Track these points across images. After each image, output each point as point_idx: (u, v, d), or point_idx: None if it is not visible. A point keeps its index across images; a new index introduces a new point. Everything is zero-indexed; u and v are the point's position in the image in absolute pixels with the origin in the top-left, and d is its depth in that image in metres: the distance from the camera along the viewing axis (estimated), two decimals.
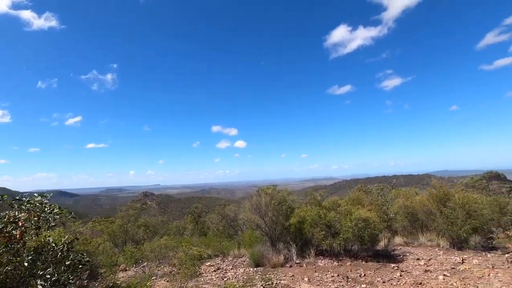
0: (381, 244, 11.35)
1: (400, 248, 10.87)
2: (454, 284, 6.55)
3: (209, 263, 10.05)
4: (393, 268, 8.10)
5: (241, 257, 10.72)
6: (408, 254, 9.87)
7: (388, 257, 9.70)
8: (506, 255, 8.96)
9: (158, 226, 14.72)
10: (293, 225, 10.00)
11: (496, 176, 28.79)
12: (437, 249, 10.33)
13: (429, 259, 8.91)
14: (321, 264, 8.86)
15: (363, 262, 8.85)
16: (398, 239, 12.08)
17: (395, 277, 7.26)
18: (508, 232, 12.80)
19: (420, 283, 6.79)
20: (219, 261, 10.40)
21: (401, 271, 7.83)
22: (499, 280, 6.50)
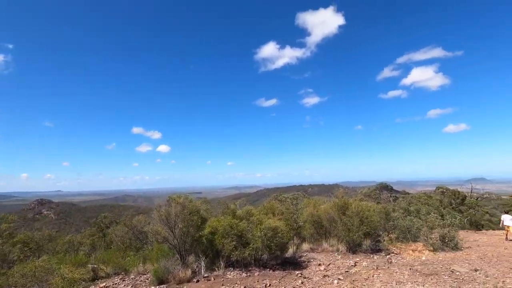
0: (290, 251, 11.88)
1: (307, 254, 11.54)
2: (346, 287, 7.16)
3: (104, 284, 8.71)
4: (296, 276, 8.44)
5: (145, 274, 9.67)
6: (312, 260, 10.51)
7: (294, 264, 10.14)
8: (387, 256, 10.41)
9: (44, 242, 12.19)
10: (205, 236, 9.57)
11: (385, 187, 34.31)
12: (336, 253, 11.32)
13: (329, 264, 9.65)
14: (229, 276, 8.63)
15: (271, 271, 8.99)
16: (305, 246, 12.87)
17: (297, 285, 7.54)
18: (391, 235, 15.03)
19: None
20: (118, 280, 9.15)
21: (304, 277, 8.21)
22: (380, 280, 7.39)
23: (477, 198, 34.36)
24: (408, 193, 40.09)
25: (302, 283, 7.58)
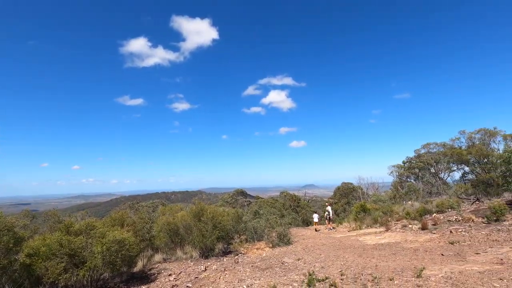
0: (140, 265, 10.91)
1: (158, 266, 10.90)
2: None
3: None
4: None
5: None
6: (163, 271, 10.01)
7: (142, 278, 9.36)
8: (235, 257, 11.30)
9: None
10: (20, 261, 7.36)
11: (241, 193, 37.81)
12: (189, 261, 11.27)
13: (180, 273, 9.46)
14: None
15: None
16: (158, 257, 12.14)
17: None
18: (242, 237, 16.49)
19: None
20: None
21: None
22: (225, 281, 7.86)
23: (308, 201, 43.40)
24: (261, 198, 45.83)
25: None
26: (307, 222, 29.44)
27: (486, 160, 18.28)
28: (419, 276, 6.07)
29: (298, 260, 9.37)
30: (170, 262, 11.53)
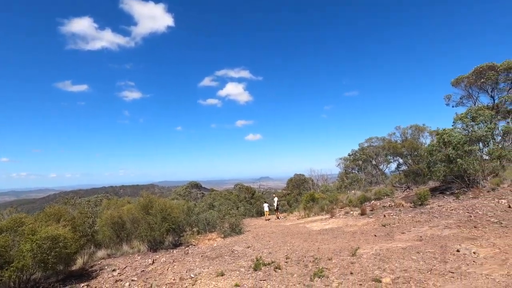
0: (80, 262, 10.16)
1: (101, 262, 10.26)
2: (137, 286, 6.94)
3: None
4: None
5: None
6: (106, 267, 9.47)
7: (82, 276, 8.75)
8: (186, 248, 11.16)
9: None
10: None
11: (195, 185, 37.20)
12: (136, 255, 10.82)
13: (125, 267, 9.04)
14: None
15: None
16: (102, 253, 11.41)
17: None
18: (194, 229, 16.30)
19: None
20: None
21: None
22: (173, 272, 7.75)
23: (262, 192, 44.49)
24: (216, 190, 45.63)
25: None
26: (261, 213, 30.20)
27: (416, 152, 20.69)
28: (354, 254, 6.71)
29: (248, 247, 9.63)
30: (115, 257, 10.94)
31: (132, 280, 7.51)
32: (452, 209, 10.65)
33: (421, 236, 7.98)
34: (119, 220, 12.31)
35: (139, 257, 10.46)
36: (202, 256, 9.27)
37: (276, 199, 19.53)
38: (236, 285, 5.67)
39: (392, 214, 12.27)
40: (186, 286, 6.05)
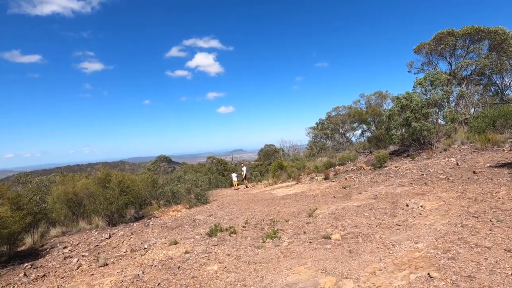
0: (30, 242, 9.47)
1: (54, 240, 9.65)
2: (86, 261, 6.55)
3: None
4: (24, 268, 6.74)
5: None
6: (58, 244, 8.91)
7: (30, 255, 8.17)
8: (148, 220, 10.81)
9: None
10: None
11: (165, 159, 36.25)
12: (94, 230, 10.31)
13: (78, 243, 8.56)
14: None
15: None
16: (55, 231, 10.74)
17: (18, 279, 5.98)
18: (160, 202, 15.88)
19: (57, 275, 6.09)
20: None
21: (34, 267, 6.70)
22: (128, 244, 7.41)
23: (235, 164, 44.57)
24: (188, 164, 44.92)
25: (25, 275, 6.08)
26: (231, 184, 30.35)
27: (378, 119, 21.33)
28: (310, 215, 6.76)
29: (210, 216, 9.48)
30: (70, 235, 10.35)
31: (83, 255, 7.09)
32: (407, 169, 11.16)
33: (376, 195, 8.25)
34: (74, 196, 11.55)
35: (96, 233, 9.98)
36: (162, 227, 8.99)
37: (244, 168, 19.50)
38: (186, 252, 5.48)
39: (353, 177, 12.68)
40: (135, 257, 5.76)
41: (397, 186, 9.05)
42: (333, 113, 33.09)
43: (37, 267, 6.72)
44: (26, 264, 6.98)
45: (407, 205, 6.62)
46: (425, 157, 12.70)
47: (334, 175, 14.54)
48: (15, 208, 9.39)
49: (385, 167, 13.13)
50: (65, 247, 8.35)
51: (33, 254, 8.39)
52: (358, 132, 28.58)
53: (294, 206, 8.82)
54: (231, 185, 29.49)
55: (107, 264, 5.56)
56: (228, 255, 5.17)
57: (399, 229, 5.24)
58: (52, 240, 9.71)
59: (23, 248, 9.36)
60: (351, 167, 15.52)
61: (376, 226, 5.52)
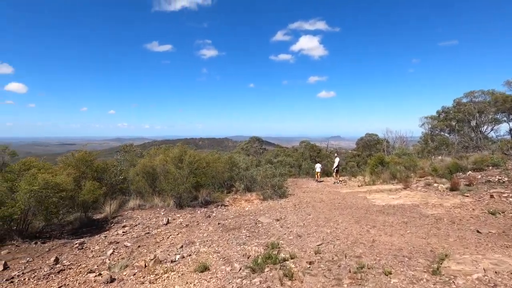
0: (107, 211, 9.69)
1: (127, 214, 9.58)
2: (121, 255, 5.54)
3: None
4: (73, 246, 6.33)
5: None
6: (124, 220, 8.66)
7: (97, 227, 8.11)
8: (214, 208, 9.61)
9: None
10: None
11: (257, 140, 36.10)
12: (162, 210, 9.82)
13: (136, 225, 7.98)
14: None
15: (36, 244, 6.50)
16: (133, 202, 10.82)
17: (51, 263, 5.40)
18: (240, 186, 14.72)
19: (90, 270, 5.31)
20: None
21: (79, 248, 6.19)
22: (170, 243, 6.14)
23: (330, 152, 40.93)
24: (281, 147, 44.03)
25: (56, 261, 5.45)
26: (328, 173, 27.61)
27: None
28: (435, 272, 3.72)
29: (277, 220, 7.36)
30: (143, 209, 10.18)
31: (125, 245, 6.19)
32: None
33: None
34: (152, 170, 11.43)
35: (162, 213, 9.43)
36: (219, 224, 7.47)
37: (337, 159, 16.32)
38: None
39: (506, 195, 8.16)
40: (149, 276, 4.21)
41: None
42: (464, 100, 25.18)
43: (82, 249, 6.18)
44: (76, 242, 6.60)
45: None
46: None
47: (467, 185, 10.01)
48: (95, 177, 9.63)
49: None
50: (124, 226, 7.89)
51: (100, 226, 8.31)
52: (505, 126, 20.74)
53: (400, 234, 5.72)
54: (327, 175, 26.71)
55: (113, 280, 4.23)
56: None
57: None
58: (126, 213, 9.66)
59: (101, 216, 9.64)
60: (498, 176, 10.46)
61: None
